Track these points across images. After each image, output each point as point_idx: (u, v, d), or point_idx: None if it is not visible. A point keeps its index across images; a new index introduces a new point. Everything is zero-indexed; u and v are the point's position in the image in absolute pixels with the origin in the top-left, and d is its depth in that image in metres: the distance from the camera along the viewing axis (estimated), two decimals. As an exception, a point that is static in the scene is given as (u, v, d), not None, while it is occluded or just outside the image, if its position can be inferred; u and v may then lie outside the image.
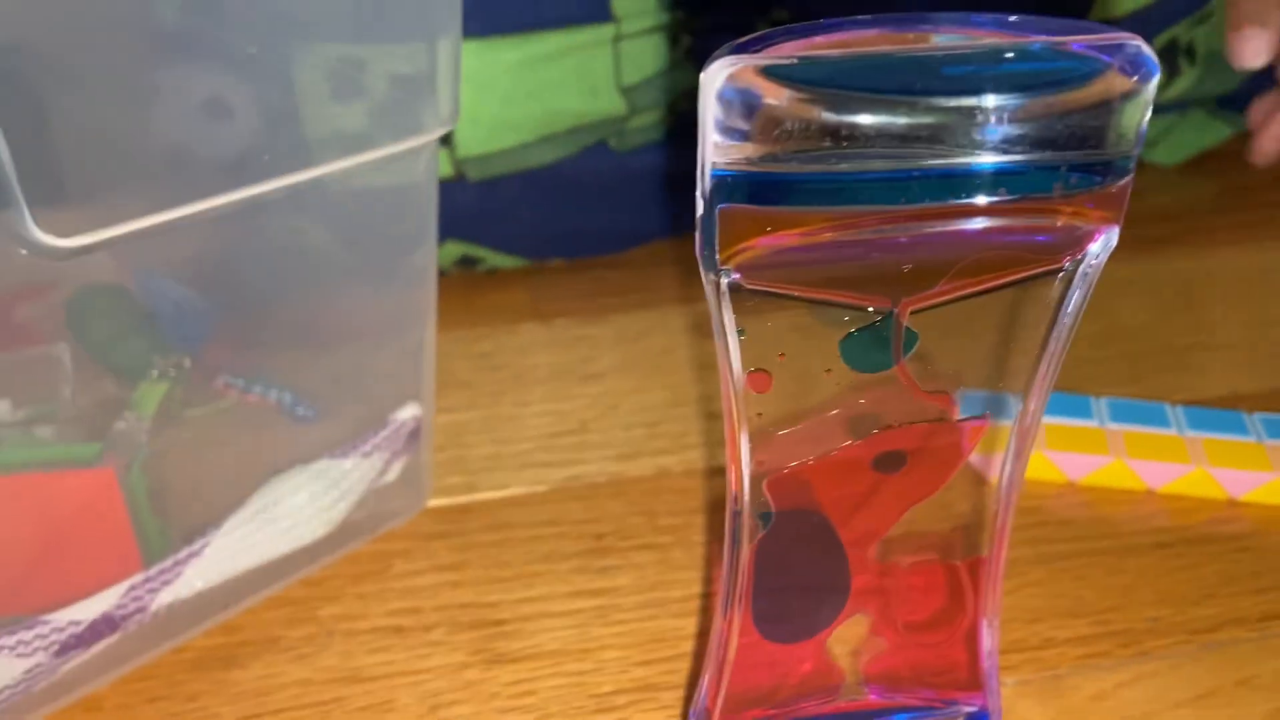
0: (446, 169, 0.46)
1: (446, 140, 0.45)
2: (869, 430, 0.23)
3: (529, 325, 0.50)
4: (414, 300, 0.36)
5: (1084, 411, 0.41)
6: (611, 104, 0.48)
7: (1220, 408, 0.43)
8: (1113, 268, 0.57)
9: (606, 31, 0.47)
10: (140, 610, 0.32)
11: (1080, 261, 0.21)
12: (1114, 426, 0.41)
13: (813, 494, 0.24)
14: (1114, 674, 0.33)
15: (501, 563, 0.37)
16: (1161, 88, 0.55)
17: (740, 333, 0.21)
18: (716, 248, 0.20)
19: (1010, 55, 0.18)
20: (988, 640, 0.26)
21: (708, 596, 0.36)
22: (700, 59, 0.50)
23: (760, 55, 0.19)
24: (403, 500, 0.38)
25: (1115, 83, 0.18)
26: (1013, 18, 0.20)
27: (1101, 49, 0.19)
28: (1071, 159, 0.18)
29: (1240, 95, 0.62)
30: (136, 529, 0.33)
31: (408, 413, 0.36)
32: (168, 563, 0.32)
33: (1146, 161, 0.63)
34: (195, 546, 0.33)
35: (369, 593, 0.36)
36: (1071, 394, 0.42)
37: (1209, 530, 0.38)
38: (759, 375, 0.22)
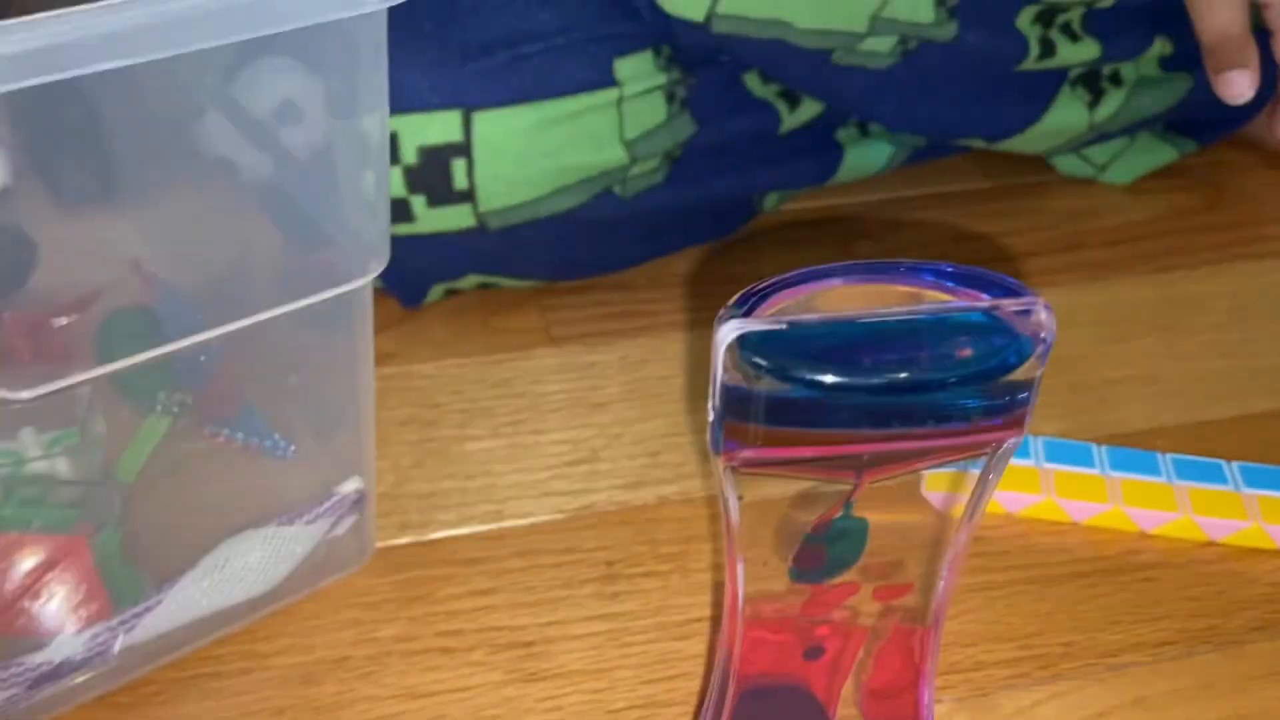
0: (469, 221, 0.52)
1: (470, 196, 0.51)
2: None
3: (542, 351, 0.56)
4: (351, 400, 0.42)
5: (1023, 451, 0.48)
6: (616, 156, 0.53)
7: (1145, 442, 0.50)
8: (1056, 296, 0.64)
9: (611, 95, 0.52)
10: (103, 651, 0.38)
11: (999, 449, 0.28)
12: (1047, 466, 0.48)
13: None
14: (1032, 693, 0.41)
15: (528, 588, 0.44)
16: (1090, 109, 0.61)
17: (739, 498, 0.28)
18: (721, 442, 0.26)
19: (956, 335, 0.25)
20: (926, 695, 0.33)
21: (705, 620, 0.43)
22: (694, 109, 0.55)
23: (754, 320, 0.25)
24: (350, 553, 0.44)
25: (1032, 365, 0.25)
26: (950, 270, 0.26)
27: (1017, 314, 0.25)
28: (987, 405, 0.25)
29: (1186, 119, 0.67)
30: (106, 580, 0.39)
31: (350, 486, 0.43)
32: (129, 613, 0.38)
33: (1100, 181, 0.69)
34: (151, 601, 0.39)
35: (419, 615, 0.43)
36: (1014, 433, 0.49)
37: (1122, 561, 0.46)
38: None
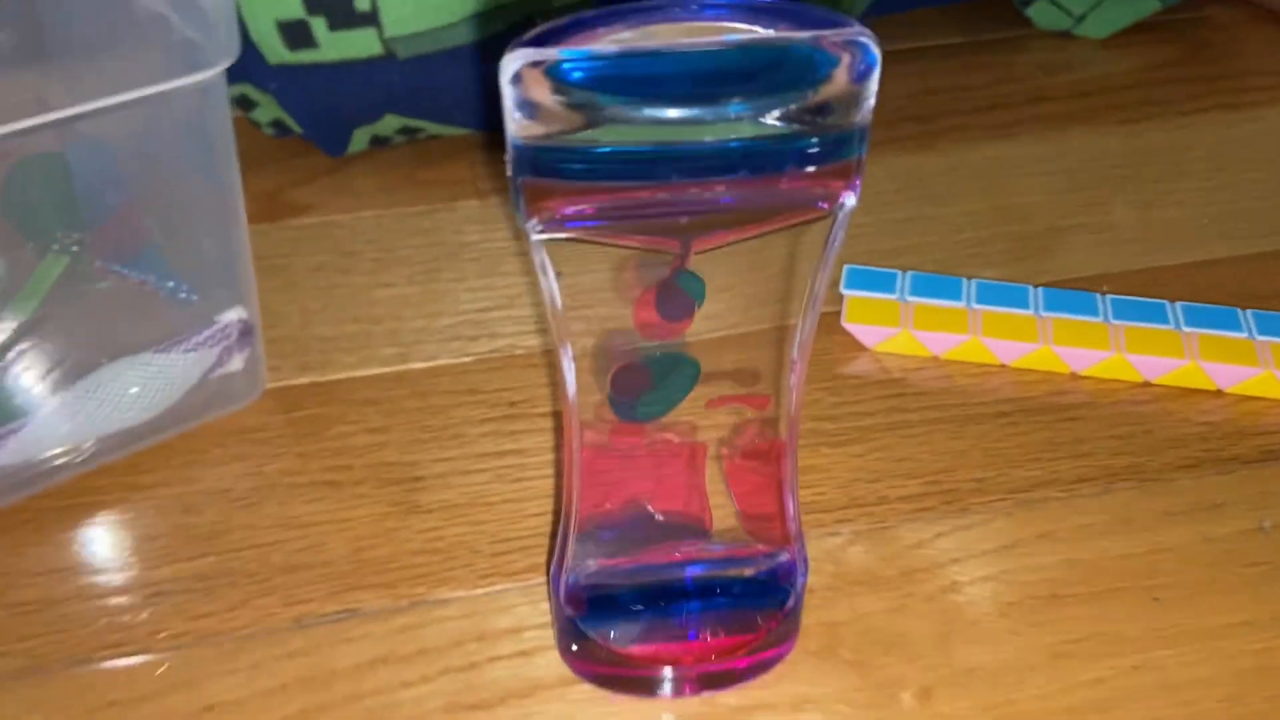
0: (376, 48, 0.49)
1: (374, 19, 0.48)
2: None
3: (467, 203, 0.54)
4: (224, 211, 0.41)
5: (954, 293, 0.46)
6: (537, -16, 0.50)
7: (1089, 288, 0.47)
8: (1011, 147, 0.61)
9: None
10: None
11: (839, 209, 0.25)
12: (977, 307, 0.45)
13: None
14: (934, 526, 0.39)
15: (424, 427, 0.43)
16: None
17: (559, 275, 0.26)
18: (523, 208, 0.24)
19: (756, 54, 0.22)
20: (791, 506, 0.32)
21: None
22: None
23: (545, 49, 0.23)
24: (243, 387, 0.43)
25: (840, 85, 0.22)
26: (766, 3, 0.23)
27: (834, 46, 0.23)
28: (802, 146, 0.23)
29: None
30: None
31: (231, 315, 0.41)
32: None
33: (1075, 35, 0.66)
34: (17, 424, 0.38)
35: (309, 451, 0.42)
36: (946, 276, 0.47)
37: (1047, 401, 0.43)
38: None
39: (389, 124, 0.53)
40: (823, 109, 0.23)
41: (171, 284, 0.44)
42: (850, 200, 0.24)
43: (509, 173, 0.24)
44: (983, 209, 0.53)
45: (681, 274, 0.26)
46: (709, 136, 0.23)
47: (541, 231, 0.24)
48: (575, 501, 0.31)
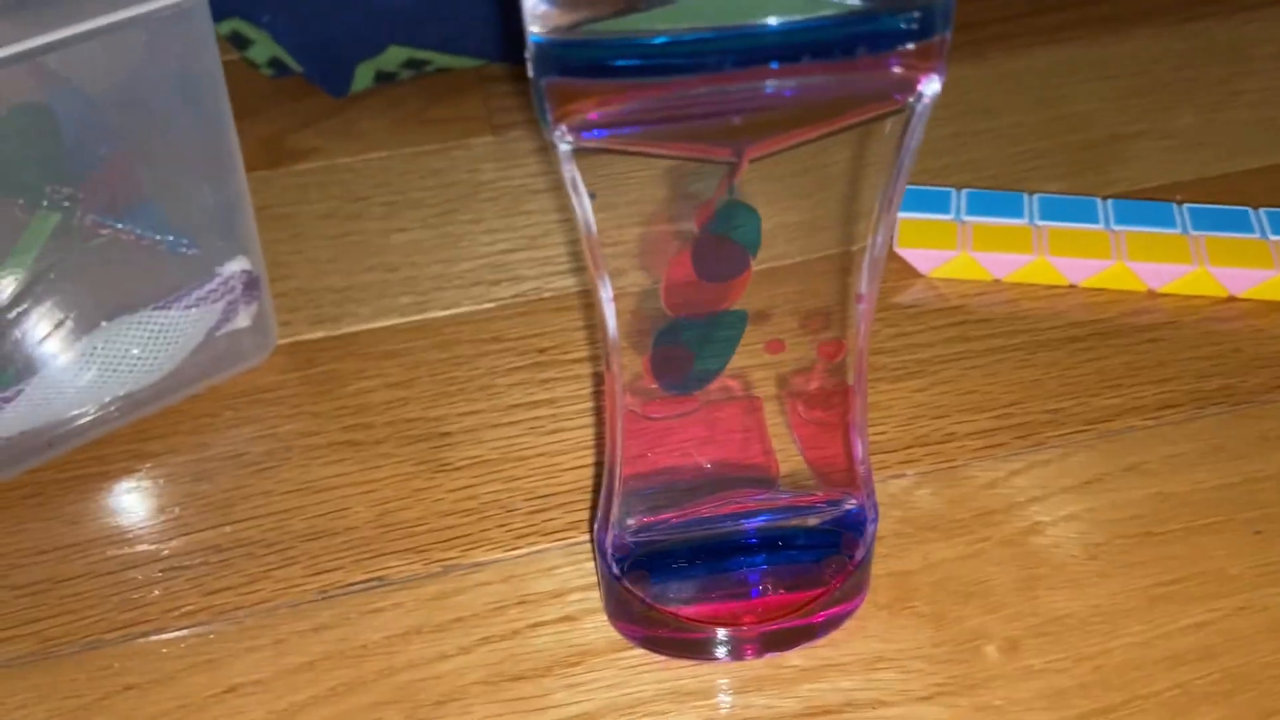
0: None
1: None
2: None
3: (482, 139, 0.51)
4: (218, 156, 0.37)
5: (1015, 210, 0.42)
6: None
7: (1158, 199, 0.44)
8: (1065, 52, 0.57)
9: None
10: None
11: (917, 100, 0.22)
12: (1041, 224, 0.42)
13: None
14: (1008, 463, 0.35)
15: (448, 379, 0.40)
16: None
17: (592, 196, 0.22)
18: (549, 113, 0.21)
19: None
20: (859, 449, 0.28)
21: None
22: None
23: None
24: (252, 344, 0.40)
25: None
26: None
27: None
28: (875, 24, 0.19)
29: None
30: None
31: (234, 266, 0.38)
32: None
33: (1125, -70, 0.61)
34: (10, 391, 0.35)
35: (326, 410, 0.39)
36: (1005, 192, 0.43)
37: (1123, 323, 0.40)
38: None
39: (394, 56, 0.49)
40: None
41: (170, 237, 0.41)
42: (934, 87, 0.21)
43: (530, 73, 0.21)
44: (1038, 120, 0.49)
45: (731, 206, 0.23)
46: (767, 16, 0.19)
47: (571, 140, 0.21)
48: (619, 452, 0.28)
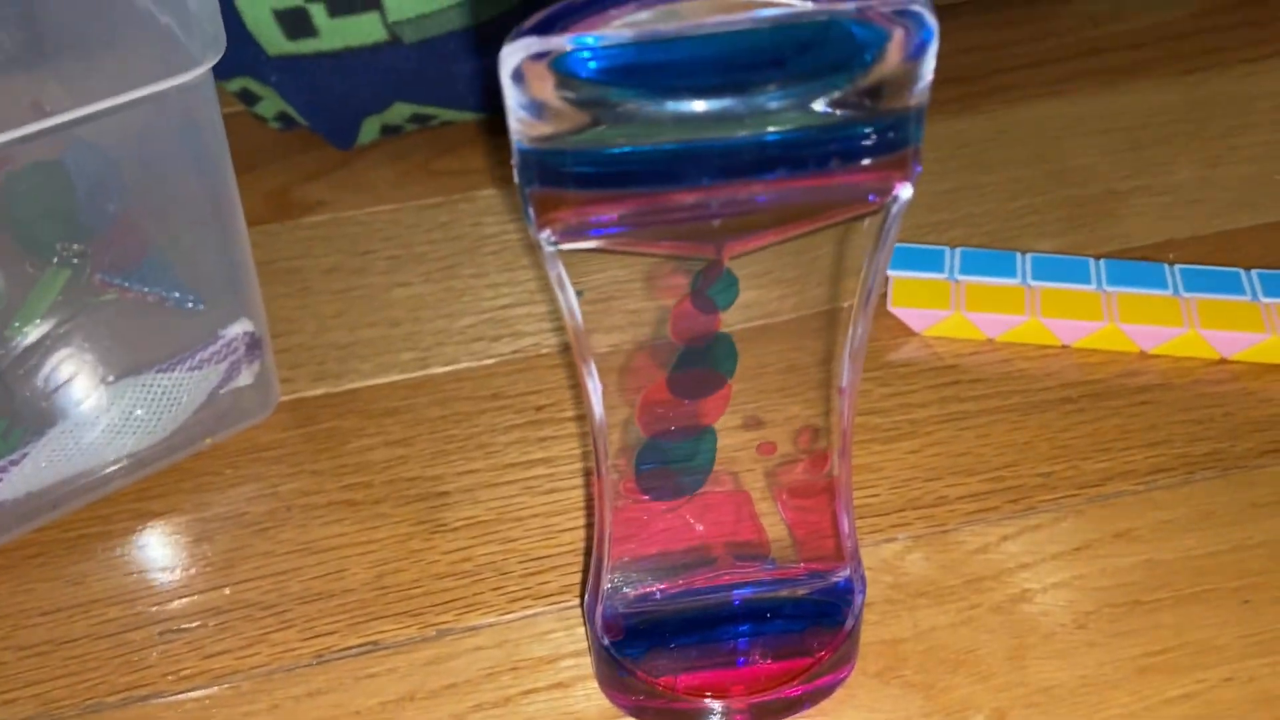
0: (380, 34, 0.46)
1: (376, 3, 0.45)
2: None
3: (486, 192, 0.51)
4: (221, 218, 0.38)
5: (1008, 270, 0.43)
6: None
7: (1153, 257, 0.44)
8: (1064, 105, 0.57)
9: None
10: None
11: (892, 203, 0.22)
12: (1034, 284, 0.42)
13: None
14: (999, 528, 0.36)
15: (447, 437, 0.40)
16: None
17: (579, 293, 0.23)
18: (534, 219, 0.21)
19: (794, 33, 0.19)
20: (846, 524, 0.29)
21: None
22: None
23: (549, 39, 0.20)
24: (254, 402, 0.41)
25: (892, 64, 0.19)
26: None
27: (883, 18, 0.19)
28: (850, 136, 0.20)
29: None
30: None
31: (237, 328, 0.39)
32: None
33: (1124, -20, 0.61)
34: (16, 455, 0.36)
35: (326, 468, 0.39)
36: (998, 251, 0.44)
37: (1116, 384, 0.40)
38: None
39: (399, 112, 0.50)
40: (873, 92, 0.19)
41: (176, 294, 0.42)
42: (906, 192, 0.21)
43: (515, 179, 0.21)
44: (1034, 174, 0.49)
45: (718, 280, 0.23)
46: (743, 131, 0.20)
47: (556, 243, 0.22)
48: (607, 528, 0.28)
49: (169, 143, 0.38)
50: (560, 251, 0.22)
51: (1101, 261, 0.43)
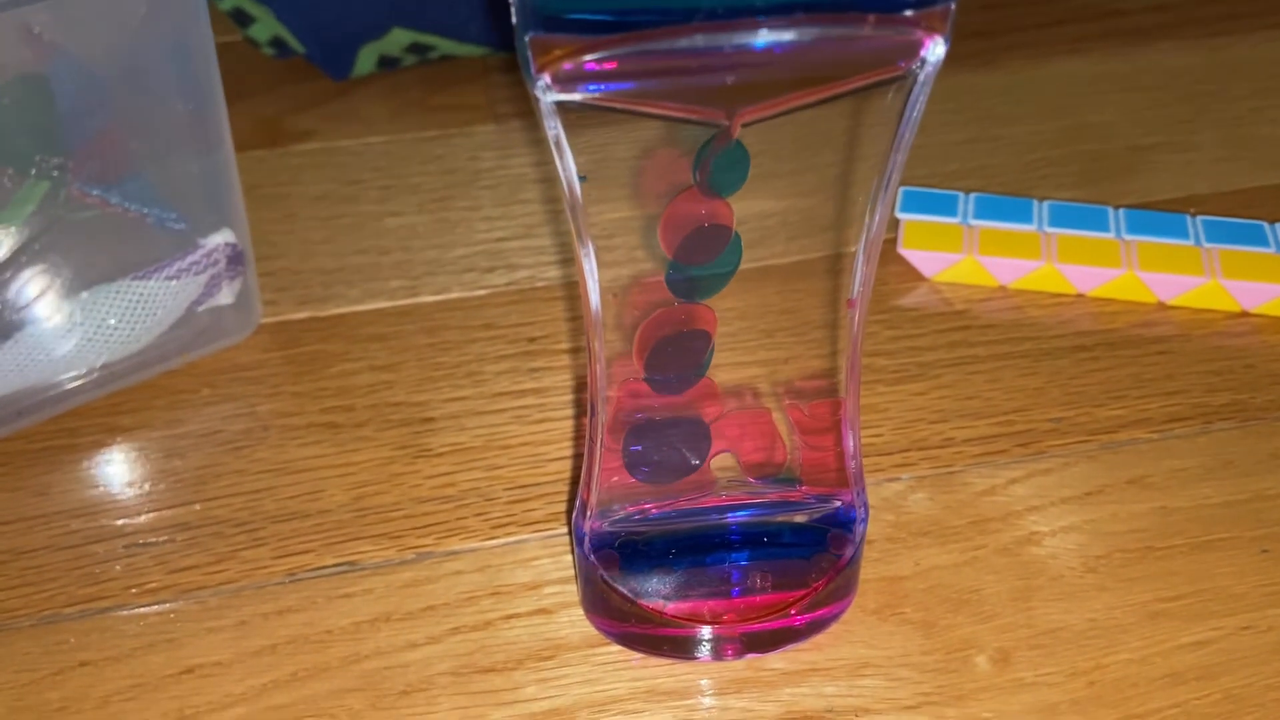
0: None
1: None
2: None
3: (483, 127, 0.50)
4: (206, 127, 0.37)
5: (1023, 216, 0.41)
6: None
7: (1171, 211, 0.42)
8: (1084, 63, 0.56)
9: None
10: None
11: (920, 67, 0.21)
12: (1050, 230, 0.40)
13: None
14: (1007, 471, 0.34)
15: (435, 364, 0.39)
16: None
17: (582, 178, 0.21)
18: (531, 64, 0.20)
19: None
20: (850, 443, 0.27)
21: (630, 396, 0.37)
22: None
23: None
24: (234, 322, 0.39)
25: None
26: None
27: None
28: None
29: None
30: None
31: (219, 239, 0.37)
32: None
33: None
34: None
35: (307, 390, 0.38)
36: (1014, 197, 0.42)
37: (1132, 334, 0.39)
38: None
39: (397, 39, 0.49)
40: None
41: (157, 210, 0.40)
42: (938, 51, 0.20)
43: (514, 20, 0.20)
44: (1053, 129, 0.48)
45: (726, 150, 0.22)
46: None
47: (553, 93, 0.20)
48: (600, 435, 0.27)
49: (158, 53, 0.36)
50: (559, 106, 0.21)
51: (1121, 210, 0.41)
